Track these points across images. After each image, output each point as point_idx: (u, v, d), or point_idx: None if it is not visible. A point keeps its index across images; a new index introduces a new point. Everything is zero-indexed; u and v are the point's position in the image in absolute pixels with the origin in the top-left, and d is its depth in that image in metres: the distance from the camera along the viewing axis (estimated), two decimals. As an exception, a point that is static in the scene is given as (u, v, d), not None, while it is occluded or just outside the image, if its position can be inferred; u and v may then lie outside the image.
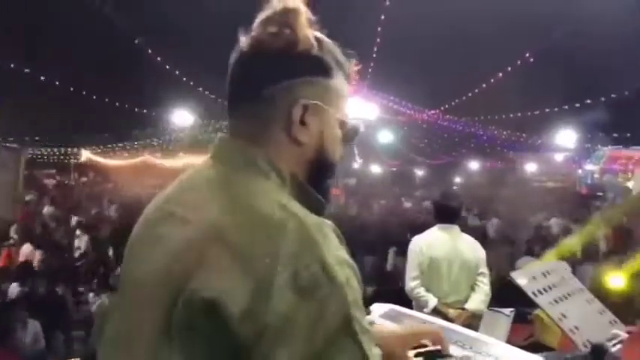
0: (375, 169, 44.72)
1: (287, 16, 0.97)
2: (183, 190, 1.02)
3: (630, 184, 26.03)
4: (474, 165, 41.07)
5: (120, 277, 1.04)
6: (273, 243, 0.84)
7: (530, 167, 36.88)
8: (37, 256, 8.65)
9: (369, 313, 1.69)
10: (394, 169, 44.63)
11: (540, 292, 2.06)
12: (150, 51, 22.77)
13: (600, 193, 23.95)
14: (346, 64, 1.05)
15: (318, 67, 1.00)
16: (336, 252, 0.87)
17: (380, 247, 9.43)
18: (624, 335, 2.08)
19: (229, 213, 0.89)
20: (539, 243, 9.23)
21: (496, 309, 2.05)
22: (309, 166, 1.02)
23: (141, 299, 0.92)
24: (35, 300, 6.32)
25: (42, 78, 21.88)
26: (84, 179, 35.37)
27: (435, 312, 3.54)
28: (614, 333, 2.05)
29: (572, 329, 1.97)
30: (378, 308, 1.69)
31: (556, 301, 2.10)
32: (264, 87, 0.98)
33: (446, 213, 3.92)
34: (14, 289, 7.14)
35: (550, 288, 2.14)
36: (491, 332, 1.76)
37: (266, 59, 0.98)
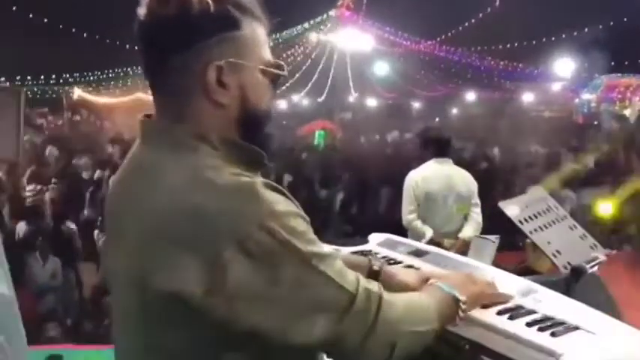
0: (371, 102, 44.44)
1: None
2: (124, 180, 1.05)
3: (627, 112, 26.05)
4: (470, 96, 40.81)
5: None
6: (211, 223, 0.89)
7: (527, 97, 36.71)
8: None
9: (367, 242, 1.84)
10: (390, 101, 44.36)
11: (526, 220, 2.21)
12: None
13: (596, 122, 23.99)
14: (254, 7, 1.01)
15: (222, 23, 0.96)
16: (272, 208, 0.91)
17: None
18: (602, 258, 2.25)
19: (166, 203, 0.92)
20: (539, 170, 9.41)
21: (483, 236, 2.21)
22: (240, 123, 1.01)
23: (119, 292, 1.02)
24: (44, 238, 6.50)
25: (30, 15, 21.37)
26: (77, 117, 35.10)
27: (431, 242, 3.72)
28: (593, 256, 2.22)
29: (555, 253, 2.13)
30: (376, 237, 1.84)
31: (541, 228, 2.25)
32: (172, 58, 0.96)
33: (440, 146, 4.05)
34: (22, 227, 7.33)
35: (535, 217, 2.28)
36: (479, 257, 1.92)
37: (164, 28, 0.95)
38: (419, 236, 3.84)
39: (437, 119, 28.53)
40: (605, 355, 1.14)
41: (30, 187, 8.76)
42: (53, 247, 6.29)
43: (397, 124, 29.27)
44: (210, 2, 0.94)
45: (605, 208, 7.44)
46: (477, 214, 3.97)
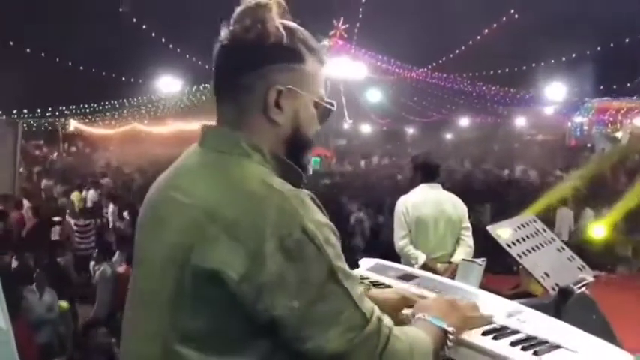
0: (366, 128, 44.69)
1: (258, 11, 1.08)
2: (178, 175, 1.14)
3: (619, 135, 26.26)
4: (464, 122, 41.12)
5: (134, 253, 1.19)
6: (260, 216, 0.99)
7: (520, 122, 37.03)
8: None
9: (358, 266, 1.88)
10: (385, 128, 44.61)
11: (514, 244, 2.25)
12: (134, 19, 22.44)
13: (589, 145, 24.16)
14: (319, 49, 1.17)
15: (289, 55, 1.11)
16: (314, 217, 1.03)
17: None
18: (590, 278, 2.29)
19: (220, 194, 1.03)
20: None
21: (469, 259, 2.25)
22: (287, 144, 1.14)
23: (154, 274, 1.08)
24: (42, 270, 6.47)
25: (28, 50, 21.60)
26: (73, 149, 35.18)
27: (424, 267, 3.73)
28: (580, 277, 2.26)
29: (543, 275, 2.17)
30: (366, 262, 1.88)
31: (529, 250, 2.30)
32: (242, 76, 1.10)
33: (429, 172, 4.10)
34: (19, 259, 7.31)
35: (524, 239, 2.33)
36: (466, 280, 1.95)
37: (242, 51, 1.10)
38: (411, 262, 3.86)
39: (408, 140, 28.54)
40: (585, 372, 1.18)
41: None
42: (49, 280, 6.26)
43: (391, 151, 29.45)
44: (285, 36, 1.10)
45: (598, 230, 7.54)
46: (468, 238, 3.99)
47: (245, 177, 1.05)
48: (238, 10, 1.11)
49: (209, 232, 1.00)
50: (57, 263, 7.22)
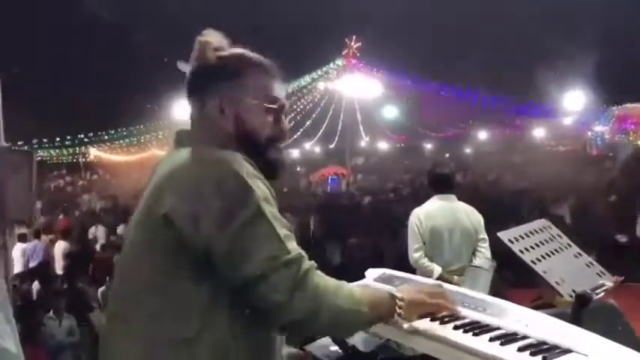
0: (383, 145, 44.63)
1: (199, 47, 1.45)
2: (158, 169, 1.45)
3: (642, 143, 25.81)
4: (482, 135, 40.77)
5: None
6: (201, 171, 1.28)
7: (539, 132, 36.64)
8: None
9: (364, 277, 1.84)
10: (402, 144, 44.52)
11: (527, 250, 2.17)
12: (152, 47, 22.75)
13: (611, 154, 23.75)
14: (262, 63, 1.47)
15: (226, 73, 1.43)
16: (247, 169, 1.28)
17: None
18: (610, 284, 2.20)
19: (175, 167, 1.33)
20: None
21: (476, 265, 2.18)
22: (237, 141, 1.41)
23: (135, 226, 1.38)
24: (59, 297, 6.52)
25: (40, 79, 21.98)
26: (95, 177, 35.62)
27: (440, 280, 3.63)
28: (599, 283, 2.17)
29: (558, 281, 2.08)
30: (372, 273, 1.84)
31: (543, 257, 2.21)
32: (197, 93, 1.47)
33: (441, 182, 4.00)
34: (37, 287, 7.38)
35: (537, 246, 2.24)
36: (474, 286, 1.89)
37: (195, 76, 1.47)
38: (427, 275, 3.76)
39: (427, 155, 28.39)
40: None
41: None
42: (68, 305, 6.31)
43: (410, 167, 29.27)
44: (221, 60, 1.44)
45: (622, 238, 7.36)
46: (485, 249, 3.86)
47: (192, 158, 1.33)
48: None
49: (165, 191, 1.29)
50: (76, 289, 7.27)
